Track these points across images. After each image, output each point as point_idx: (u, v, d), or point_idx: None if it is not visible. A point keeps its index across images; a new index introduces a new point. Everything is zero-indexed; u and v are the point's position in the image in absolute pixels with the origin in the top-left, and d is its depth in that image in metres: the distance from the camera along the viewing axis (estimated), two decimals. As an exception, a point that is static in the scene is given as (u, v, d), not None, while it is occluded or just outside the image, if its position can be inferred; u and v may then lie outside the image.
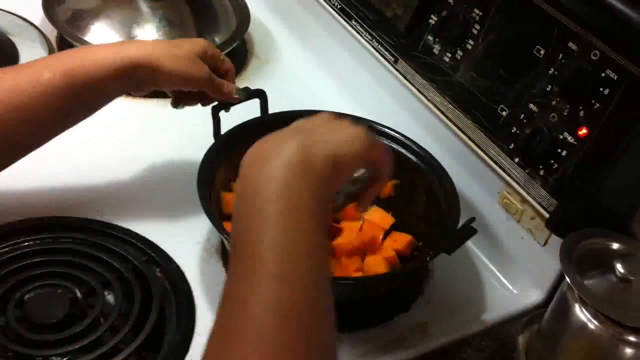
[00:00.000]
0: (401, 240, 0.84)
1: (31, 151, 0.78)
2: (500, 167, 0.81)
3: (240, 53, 1.16)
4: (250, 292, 0.50)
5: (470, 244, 0.88)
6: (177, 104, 0.86)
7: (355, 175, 0.66)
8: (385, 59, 0.95)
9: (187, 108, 0.87)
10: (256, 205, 0.53)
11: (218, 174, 0.83)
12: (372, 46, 0.97)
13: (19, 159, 0.77)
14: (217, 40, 1.10)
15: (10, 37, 1.06)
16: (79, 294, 0.74)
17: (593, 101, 0.71)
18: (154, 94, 0.93)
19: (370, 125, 0.89)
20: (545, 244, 0.81)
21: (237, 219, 0.55)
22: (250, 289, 0.50)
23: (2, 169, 0.76)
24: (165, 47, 0.80)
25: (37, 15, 1.09)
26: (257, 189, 0.54)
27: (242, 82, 1.10)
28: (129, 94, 0.98)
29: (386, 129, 0.89)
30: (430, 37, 0.88)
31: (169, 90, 0.85)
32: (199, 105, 0.87)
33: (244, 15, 1.16)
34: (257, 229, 0.52)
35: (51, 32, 1.09)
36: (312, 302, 0.51)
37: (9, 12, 1.10)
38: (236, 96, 0.85)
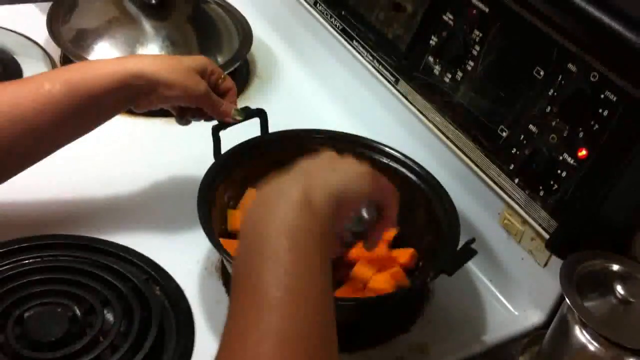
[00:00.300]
0: (404, 254, 0.84)
1: (34, 162, 0.78)
2: (500, 187, 0.81)
3: (242, 73, 1.17)
4: (250, 324, 0.50)
5: (470, 264, 0.88)
6: (181, 118, 0.87)
7: (363, 214, 0.67)
8: (386, 79, 0.95)
9: (188, 127, 0.88)
10: (259, 243, 0.54)
11: (218, 193, 0.83)
12: (373, 67, 0.98)
13: (21, 170, 0.78)
14: (220, 60, 1.11)
15: (15, 57, 1.07)
16: (78, 312, 0.74)
17: (592, 122, 0.71)
18: (157, 112, 0.94)
19: (371, 145, 0.90)
20: (545, 265, 0.80)
21: (240, 259, 0.56)
22: (250, 321, 0.50)
23: (5, 179, 0.77)
24: (165, 60, 0.82)
25: (41, 34, 1.10)
26: (260, 228, 0.55)
27: (244, 102, 1.10)
28: (131, 112, 0.99)
29: (387, 148, 0.89)
30: (430, 58, 0.88)
31: (169, 106, 0.85)
32: (203, 121, 0.87)
33: (246, 36, 1.17)
34: (259, 266, 0.53)
35: (55, 52, 1.10)
36: (312, 333, 0.51)
37: (14, 32, 1.11)
38: (236, 117, 0.85)
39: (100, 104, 0.78)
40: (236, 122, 0.86)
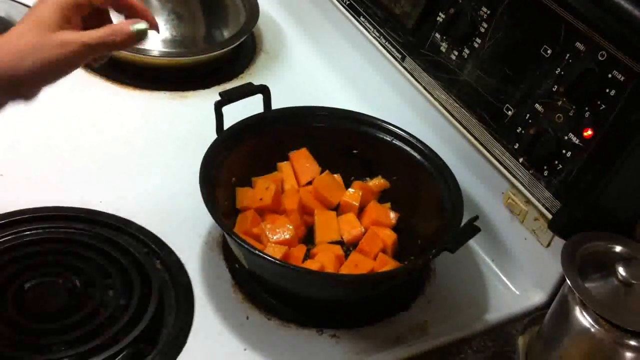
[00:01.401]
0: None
1: None
2: (504, 167, 0.81)
3: (249, 48, 1.16)
4: None
5: (473, 243, 0.88)
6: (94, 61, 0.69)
7: None
8: (393, 56, 0.94)
9: (191, 104, 0.87)
10: None
11: (221, 168, 0.82)
12: (379, 43, 0.97)
13: None
14: (226, 34, 1.10)
15: (20, 28, 1.06)
16: (78, 284, 0.74)
17: (599, 102, 0.70)
18: (160, 87, 0.94)
19: (375, 123, 0.89)
20: (548, 245, 0.80)
21: None
22: None
23: None
24: (11, 40, 0.61)
25: (47, 6, 1.09)
26: None
27: (250, 77, 1.10)
28: (134, 86, 0.98)
29: (391, 126, 0.89)
30: (437, 35, 0.87)
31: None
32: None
33: (253, 10, 1.15)
34: None
35: (61, 24, 1.09)
36: None
37: (20, 3, 1.11)
38: (136, 40, 0.66)
39: None
40: (143, 39, 0.68)
